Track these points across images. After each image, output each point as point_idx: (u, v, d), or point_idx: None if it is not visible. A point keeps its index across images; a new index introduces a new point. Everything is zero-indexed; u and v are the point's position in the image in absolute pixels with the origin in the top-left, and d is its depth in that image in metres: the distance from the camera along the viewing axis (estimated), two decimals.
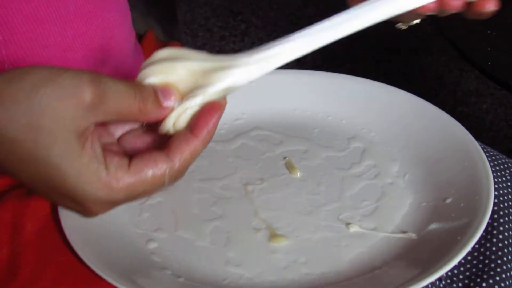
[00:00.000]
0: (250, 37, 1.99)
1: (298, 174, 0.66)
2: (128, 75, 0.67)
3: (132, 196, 0.44)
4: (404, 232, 0.58)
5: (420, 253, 0.55)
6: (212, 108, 0.45)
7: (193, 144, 0.45)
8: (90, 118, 0.42)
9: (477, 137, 0.68)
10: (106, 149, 0.44)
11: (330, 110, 0.71)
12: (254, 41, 1.98)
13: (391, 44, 2.09)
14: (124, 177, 0.43)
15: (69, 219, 0.57)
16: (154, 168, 0.44)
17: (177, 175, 0.45)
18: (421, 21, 0.53)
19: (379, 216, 0.60)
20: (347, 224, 0.59)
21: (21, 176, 0.43)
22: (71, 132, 0.41)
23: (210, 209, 0.62)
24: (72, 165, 0.41)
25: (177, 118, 0.45)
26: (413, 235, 0.57)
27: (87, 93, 0.41)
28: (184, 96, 0.45)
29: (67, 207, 0.45)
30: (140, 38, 0.81)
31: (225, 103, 0.46)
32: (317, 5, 2.15)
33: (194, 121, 0.45)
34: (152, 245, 0.58)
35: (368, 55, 2.04)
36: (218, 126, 0.71)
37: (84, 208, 0.43)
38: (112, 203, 0.44)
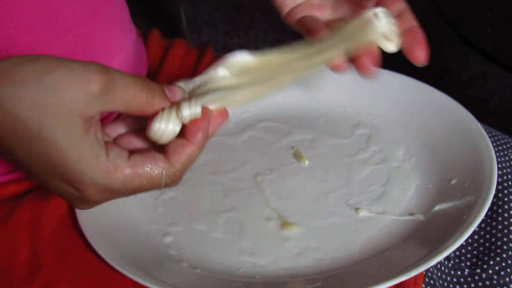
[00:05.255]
0: (254, 30, 2.00)
1: (306, 162, 0.67)
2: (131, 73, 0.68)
3: (126, 188, 0.45)
4: (412, 214, 0.59)
5: (428, 233, 0.56)
6: (203, 115, 0.47)
7: (189, 148, 0.46)
8: (97, 106, 0.43)
9: (483, 119, 0.68)
10: (106, 142, 0.45)
11: (334, 98, 0.73)
12: (259, 33, 1.99)
13: None
14: (122, 166, 0.44)
15: (86, 217, 0.58)
16: (153, 165, 0.45)
17: (174, 178, 0.46)
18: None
19: (387, 200, 0.61)
20: (356, 209, 0.60)
21: (19, 155, 0.43)
22: (77, 115, 0.42)
23: (222, 201, 0.63)
24: (74, 146, 0.42)
25: (166, 123, 0.46)
26: (421, 217, 0.58)
27: (95, 81, 0.42)
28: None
29: (61, 190, 0.45)
30: (144, 36, 0.82)
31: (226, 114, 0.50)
32: None
33: (187, 128, 0.46)
34: (168, 239, 0.60)
35: None
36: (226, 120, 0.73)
37: (79, 191, 0.44)
38: (106, 191, 0.45)
